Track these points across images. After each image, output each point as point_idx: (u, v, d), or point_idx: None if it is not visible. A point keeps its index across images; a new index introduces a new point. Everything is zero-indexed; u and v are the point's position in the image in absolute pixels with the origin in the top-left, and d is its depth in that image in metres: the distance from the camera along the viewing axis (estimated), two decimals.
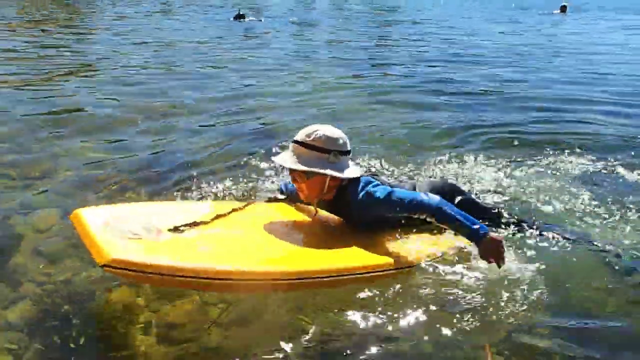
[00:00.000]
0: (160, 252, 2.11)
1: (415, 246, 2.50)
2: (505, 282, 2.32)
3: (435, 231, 2.58)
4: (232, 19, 17.89)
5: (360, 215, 2.45)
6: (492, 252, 2.20)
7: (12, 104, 5.55)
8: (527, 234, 2.69)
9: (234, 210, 2.62)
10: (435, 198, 2.29)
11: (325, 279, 2.20)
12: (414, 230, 2.57)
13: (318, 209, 2.65)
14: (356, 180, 2.43)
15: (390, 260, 2.35)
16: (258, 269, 2.15)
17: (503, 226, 2.69)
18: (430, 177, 3.25)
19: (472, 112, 5.91)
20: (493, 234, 2.23)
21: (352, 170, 2.44)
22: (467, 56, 10.57)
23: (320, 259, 2.31)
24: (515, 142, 4.59)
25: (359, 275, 2.25)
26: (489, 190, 3.24)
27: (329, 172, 2.36)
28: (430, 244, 2.54)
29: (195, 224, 2.40)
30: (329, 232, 2.64)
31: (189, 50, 10.42)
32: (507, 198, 3.18)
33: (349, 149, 2.46)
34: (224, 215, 2.53)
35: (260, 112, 5.71)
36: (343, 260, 2.32)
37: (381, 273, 2.30)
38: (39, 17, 15.36)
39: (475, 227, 2.21)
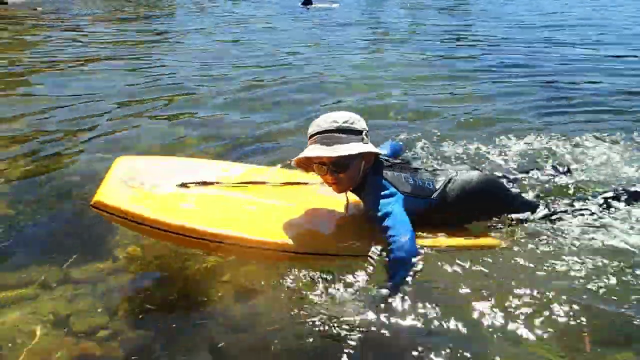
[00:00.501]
0: (145, 203, 2.20)
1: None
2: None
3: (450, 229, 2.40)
4: (300, 5, 17.94)
5: (368, 212, 2.37)
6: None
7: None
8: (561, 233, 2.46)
9: (253, 182, 2.56)
10: (403, 252, 2.12)
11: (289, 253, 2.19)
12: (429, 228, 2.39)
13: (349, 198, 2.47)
14: (377, 172, 2.33)
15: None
16: (222, 231, 2.16)
17: (538, 221, 2.49)
18: (477, 167, 2.87)
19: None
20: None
21: (380, 149, 2.37)
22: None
23: (300, 237, 2.24)
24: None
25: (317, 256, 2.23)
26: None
27: (371, 148, 2.24)
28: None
29: (203, 183, 2.40)
30: (337, 217, 2.47)
31: (261, 34, 10.70)
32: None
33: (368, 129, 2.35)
34: (241, 181, 2.54)
35: (334, 95, 5.65)
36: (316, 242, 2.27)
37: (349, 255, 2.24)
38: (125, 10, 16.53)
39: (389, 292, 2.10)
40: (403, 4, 18.50)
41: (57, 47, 8.62)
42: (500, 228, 2.44)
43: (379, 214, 2.20)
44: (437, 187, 2.40)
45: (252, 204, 2.42)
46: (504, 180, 2.69)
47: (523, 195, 2.65)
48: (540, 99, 5.39)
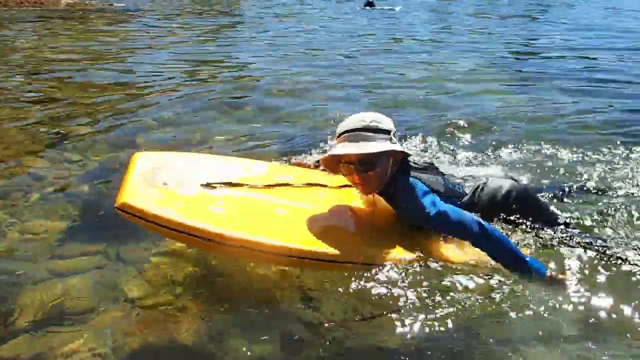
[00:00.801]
0: (172, 204, 2.11)
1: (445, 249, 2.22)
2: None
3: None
4: (361, 7, 17.83)
5: (402, 216, 2.31)
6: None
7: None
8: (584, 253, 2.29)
9: (282, 184, 2.49)
10: (476, 225, 2.09)
11: (315, 261, 2.10)
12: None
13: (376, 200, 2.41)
14: (406, 173, 2.26)
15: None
16: (251, 237, 2.06)
17: (566, 242, 2.32)
18: (507, 175, 2.73)
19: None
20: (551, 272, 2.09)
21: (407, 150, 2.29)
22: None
23: (326, 243, 2.13)
24: None
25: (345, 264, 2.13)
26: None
27: (398, 148, 2.19)
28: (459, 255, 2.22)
29: (230, 184, 2.38)
30: (366, 222, 2.40)
31: (325, 36, 10.61)
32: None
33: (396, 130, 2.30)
34: (270, 183, 2.47)
35: (397, 98, 5.51)
36: (345, 247, 2.15)
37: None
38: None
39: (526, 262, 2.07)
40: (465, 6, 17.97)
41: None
42: (526, 242, 2.30)
43: (431, 214, 2.11)
44: (467, 191, 2.34)
45: (282, 207, 2.33)
46: (539, 193, 2.53)
47: (555, 210, 2.49)
48: (617, 113, 4.92)
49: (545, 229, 2.34)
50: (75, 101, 5.20)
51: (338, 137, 2.24)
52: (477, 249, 2.13)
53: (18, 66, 6.92)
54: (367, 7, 17.69)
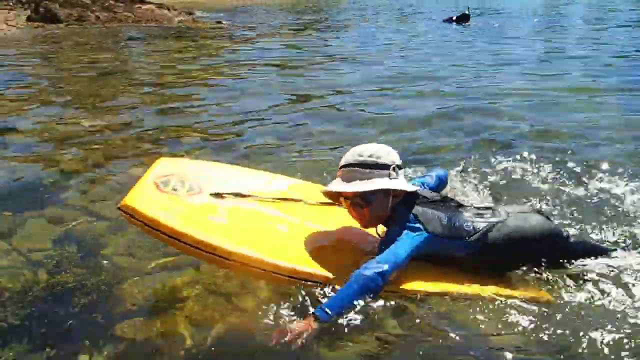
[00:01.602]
0: (173, 210, 2.18)
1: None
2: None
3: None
4: (450, 20, 15.70)
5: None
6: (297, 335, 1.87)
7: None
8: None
9: (288, 199, 2.48)
10: (368, 272, 1.97)
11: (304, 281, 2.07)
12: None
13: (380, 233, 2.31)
14: (407, 206, 2.17)
15: None
16: (246, 252, 2.06)
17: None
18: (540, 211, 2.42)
19: None
20: (312, 323, 1.89)
21: (410, 185, 2.24)
22: None
23: (319, 263, 2.10)
24: None
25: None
26: None
27: (396, 185, 2.14)
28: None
29: (240, 195, 2.38)
30: (361, 246, 2.34)
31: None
32: None
33: (401, 163, 2.23)
34: (279, 197, 2.47)
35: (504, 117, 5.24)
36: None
37: None
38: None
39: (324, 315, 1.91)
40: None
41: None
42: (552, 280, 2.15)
43: (394, 242, 2.07)
44: (478, 228, 2.15)
45: (285, 223, 2.32)
46: (566, 233, 2.28)
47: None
48: None
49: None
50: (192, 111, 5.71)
51: (339, 169, 2.23)
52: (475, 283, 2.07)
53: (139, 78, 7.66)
54: (462, 23, 15.44)
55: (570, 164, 3.53)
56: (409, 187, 2.19)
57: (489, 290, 2.10)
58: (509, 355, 1.87)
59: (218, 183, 2.44)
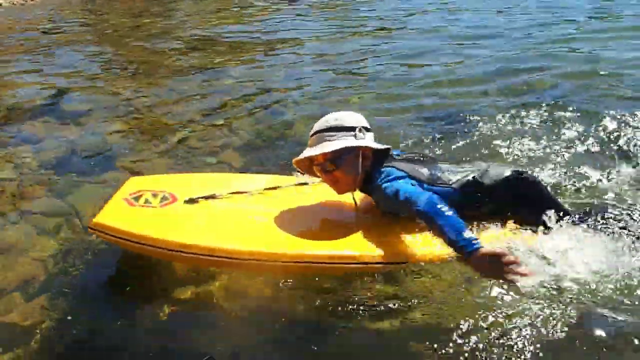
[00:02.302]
0: (149, 221, 2.19)
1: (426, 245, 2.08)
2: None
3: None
4: None
5: (380, 207, 2.27)
6: (488, 269, 1.84)
7: None
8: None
9: (271, 188, 2.50)
10: (425, 199, 1.94)
11: (291, 264, 2.07)
12: None
13: (357, 200, 2.35)
14: (380, 166, 2.20)
15: (382, 253, 2.06)
16: (227, 246, 2.08)
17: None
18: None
19: None
20: (486, 249, 1.81)
21: (379, 144, 2.24)
22: None
23: (308, 245, 2.11)
24: None
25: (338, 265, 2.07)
26: None
27: (362, 142, 2.17)
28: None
29: (212, 197, 2.38)
30: (348, 220, 2.33)
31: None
32: None
33: (369, 126, 2.25)
34: (254, 190, 2.47)
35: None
36: (330, 247, 2.10)
37: (367, 265, 2.05)
38: None
39: (462, 242, 1.83)
40: None
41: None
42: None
43: (389, 193, 2.05)
44: (457, 178, 2.16)
45: (262, 214, 2.30)
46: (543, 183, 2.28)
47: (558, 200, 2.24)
48: None
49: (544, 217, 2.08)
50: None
51: (309, 139, 2.27)
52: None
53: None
54: None
55: None
56: (375, 145, 2.19)
57: None
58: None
59: (191, 190, 2.43)
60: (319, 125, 2.23)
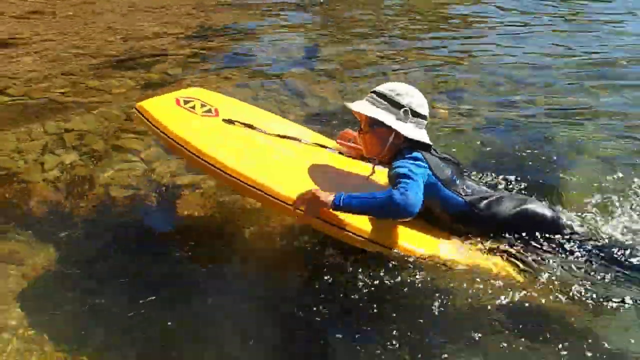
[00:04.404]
0: (183, 122, 2.42)
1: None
2: None
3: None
4: None
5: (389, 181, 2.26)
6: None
7: None
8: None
9: (290, 137, 2.58)
10: (399, 192, 1.98)
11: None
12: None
13: (376, 169, 2.43)
14: (411, 149, 2.22)
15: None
16: (224, 160, 2.23)
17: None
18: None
19: None
20: (329, 202, 2.02)
21: (418, 133, 2.25)
22: None
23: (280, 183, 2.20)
24: None
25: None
26: None
27: (393, 123, 2.22)
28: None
29: (249, 126, 2.51)
30: (352, 184, 2.37)
31: None
32: None
33: (423, 113, 2.28)
34: (290, 136, 2.58)
35: None
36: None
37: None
38: None
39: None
40: None
41: None
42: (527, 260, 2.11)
43: (400, 170, 2.07)
44: (475, 191, 2.23)
45: (280, 154, 2.43)
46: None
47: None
48: None
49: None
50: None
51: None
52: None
53: None
54: None
55: None
56: (411, 133, 2.21)
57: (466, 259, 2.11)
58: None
59: (236, 113, 2.58)
60: (381, 87, 2.31)
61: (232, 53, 5.33)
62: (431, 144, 2.26)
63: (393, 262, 2.09)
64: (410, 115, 2.22)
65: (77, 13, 6.53)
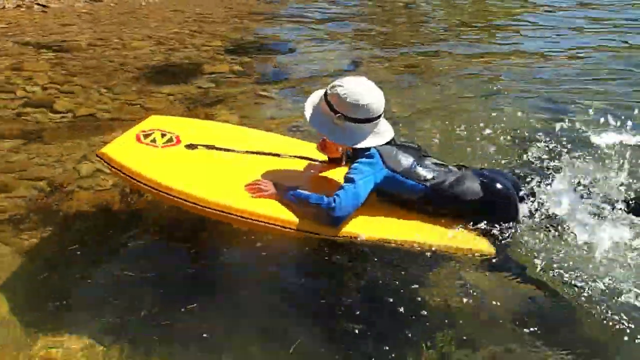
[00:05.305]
0: (145, 159, 2.43)
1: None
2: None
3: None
4: None
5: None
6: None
7: None
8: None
9: (265, 153, 2.59)
10: (342, 198, 2.12)
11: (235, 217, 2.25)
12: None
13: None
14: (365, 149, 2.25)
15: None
16: (186, 190, 2.27)
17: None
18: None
19: None
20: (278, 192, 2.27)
21: (358, 137, 2.23)
22: None
23: (264, 205, 2.25)
24: None
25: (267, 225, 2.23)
26: None
27: (329, 135, 2.28)
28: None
29: (212, 147, 2.52)
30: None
31: None
32: None
33: (361, 117, 2.20)
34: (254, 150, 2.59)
35: None
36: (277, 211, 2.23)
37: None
38: None
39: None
40: None
41: None
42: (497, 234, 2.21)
43: (349, 174, 2.17)
44: (435, 176, 2.23)
45: (243, 171, 2.43)
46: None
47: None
48: None
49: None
50: None
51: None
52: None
53: None
54: None
55: None
56: (348, 142, 2.22)
57: (433, 238, 2.19)
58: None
59: (198, 136, 2.59)
60: (332, 83, 2.24)
61: (270, 66, 5.31)
62: (375, 145, 2.21)
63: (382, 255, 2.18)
64: (344, 120, 2.19)
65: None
